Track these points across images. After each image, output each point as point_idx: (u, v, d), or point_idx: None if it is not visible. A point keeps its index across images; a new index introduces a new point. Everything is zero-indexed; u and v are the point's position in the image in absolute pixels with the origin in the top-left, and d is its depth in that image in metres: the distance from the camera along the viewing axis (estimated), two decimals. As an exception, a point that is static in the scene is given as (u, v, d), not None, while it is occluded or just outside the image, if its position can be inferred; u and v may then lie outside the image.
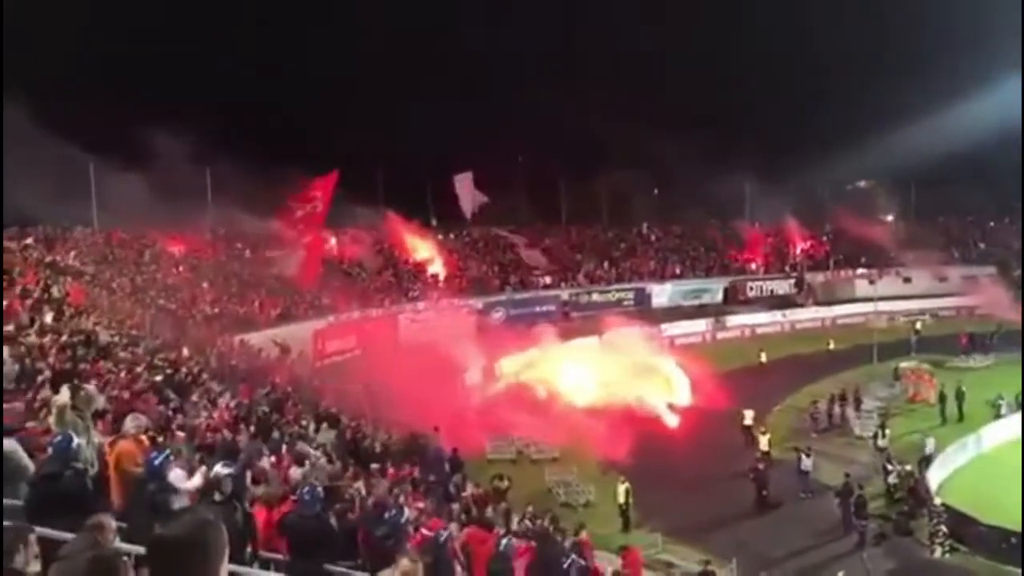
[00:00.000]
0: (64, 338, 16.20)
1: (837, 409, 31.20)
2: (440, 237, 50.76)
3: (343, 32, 52.36)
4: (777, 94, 57.57)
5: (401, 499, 11.96)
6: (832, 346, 41.32)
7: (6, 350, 12.66)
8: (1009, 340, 38.09)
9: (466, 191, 50.63)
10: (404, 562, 6.15)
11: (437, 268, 47.33)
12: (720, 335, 47.51)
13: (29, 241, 30.73)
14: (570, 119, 51.01)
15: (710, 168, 50.18)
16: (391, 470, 16.10)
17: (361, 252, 45.14)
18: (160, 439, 9.95)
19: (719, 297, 52.51)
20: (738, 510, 23.55)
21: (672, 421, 30.55)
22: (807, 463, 25.10)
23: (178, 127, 33.65)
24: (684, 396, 32.74)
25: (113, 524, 5.34)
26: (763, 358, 38.97)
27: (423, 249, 48.19)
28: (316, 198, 38.67)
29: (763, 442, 26.90)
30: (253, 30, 47.99)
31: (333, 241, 44.03)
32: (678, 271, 53.33)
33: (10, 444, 7.44)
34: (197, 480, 7.69)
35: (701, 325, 47.78)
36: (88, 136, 32.88)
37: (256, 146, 39.70)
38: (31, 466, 7.38)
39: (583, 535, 15.69)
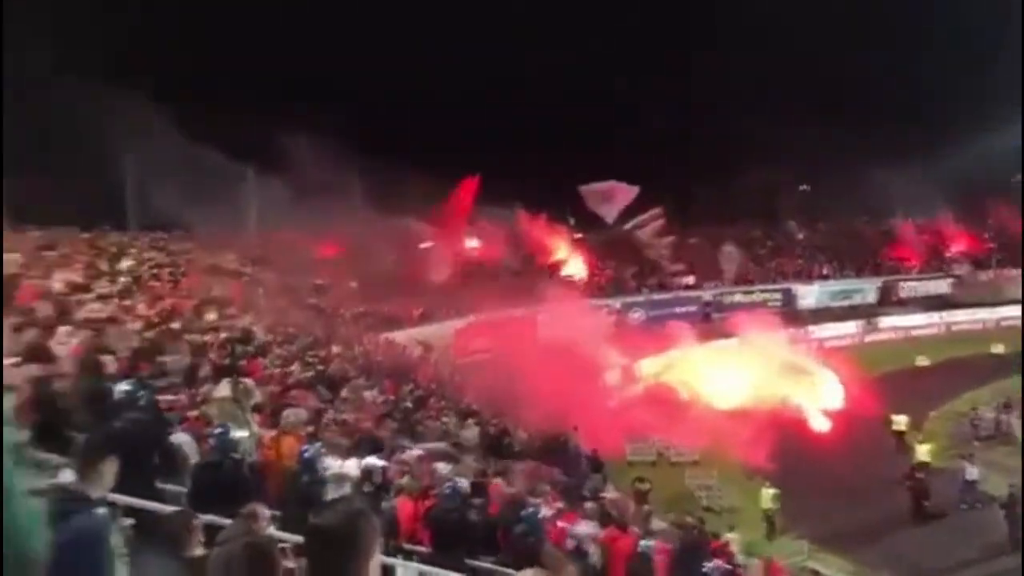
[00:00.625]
0: (224, 335, 17.20)
1: (1003, 416, 29.23)
2: (578, 236, 50.70)
3: (485, 31, 52.89)
4: (928, 79, 54.01)
5: (539, 497, 12.01)
6: (995, 349, 38.75)
7: (172, 348, 13.52)
8: None
9: (607, 200, 50.17)
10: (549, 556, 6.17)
11: (575, 268, 47.36)
12: (871, 337, 45.44)
13: (192, 245, 32.88)
14: (709, 113, 49.84)
15: (860, 162, 47.97)
16: (530, 468, 16.19)
17: (500, 252, 45.69)
18: (313, 432, 10.39)
19: (870, 298, 50.19)
20: (892, 520, 22.43)
21: (821, 424, 29.48)
22: (972, 472, 23.60)
23: (322, 130, 34.94)
24: (834, 399, 31.50)
25: (267, 512, 5.61)
26: (921, 361, 36.96)
27: (561, 249, 48.31)
28: (460, 201, 39.65)
29: (922, 451, 25.48)
30: (395, 33, 49.18)
31: (474, 243, 44.84)
32: (826, 271, 51.32)
33: (180, 437, 7.95)
34: (350, 469, 7.98)
35: (851, 327, 45.84)
36: (238, 140, 34.54)
37: (399, 147, 40.79)
38: (197, 456, 7.86)
39: (726, 538, 15.34)
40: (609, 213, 49.99)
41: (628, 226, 50.07)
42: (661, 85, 49.17)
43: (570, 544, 9.10)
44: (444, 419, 18.25)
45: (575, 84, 51.43)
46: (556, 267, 47.33)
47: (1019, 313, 45.33)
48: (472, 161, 43.18)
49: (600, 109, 51.39)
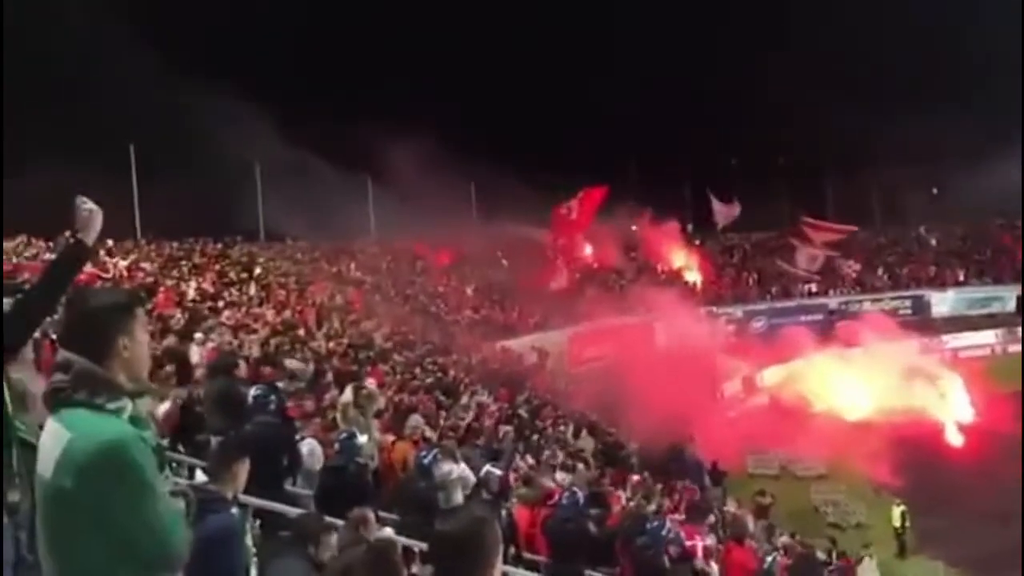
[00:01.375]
0: (347, 342, 17.71)
1: None
2: (697, 243, 49.90)
3: (606, 38, 52.67)
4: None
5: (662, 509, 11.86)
6: None
7: (298, 355, 14.02)
8: None
9: (720, 206, 49.25)
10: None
11: (693, 275, 46.61)
12: (1013, 348, 42.85)
13: (317, 254, 34.07)
14: (834, 111, 47.93)
15: (992, 159, 45.20)
16: (641, 478, 15.91)
17: (617, 258, 45.45)
18: (432, 438, 10.55)
19: (1011, 306, 47.30)
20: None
21: (956, 440, 28.02)
22: None
23: (438, 137, 35.53)
24: (966, 413, 29.87)
25: (373, 518, 5.71)
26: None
27: (679, 256, 47.64)
28: (582, 209, 39.73)
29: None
30: (514, 39, 49.45)
31: (588, 249, 44.70)
32: (961, 277, 48.72)
33: (308, 441, 8.22)
34: (468, 475, 8.04)
35: (990, 336, 43.37)
36: (356, 150, 35.41)
37: (518, 154, 41.13)
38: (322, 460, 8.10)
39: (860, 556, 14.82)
40: (727, 217, 49.04)
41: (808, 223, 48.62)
42: (774, 83, 47.51)
43: (673, 551, 8.89)
44: (560, 428, 18.23)
45: (700, 87, 50.49)
46: (675, 274, 46.68)
47: None
48: (589, 167, 42.93)
49: (719, 112, 50.13)
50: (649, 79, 49.93)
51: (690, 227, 50.86)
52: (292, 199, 34.00)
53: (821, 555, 16.44)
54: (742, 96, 48.14)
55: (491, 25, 48.27)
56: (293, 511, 6.38)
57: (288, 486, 7.48)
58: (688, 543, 9.63)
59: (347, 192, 37.08)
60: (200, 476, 6.50)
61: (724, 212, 49.21)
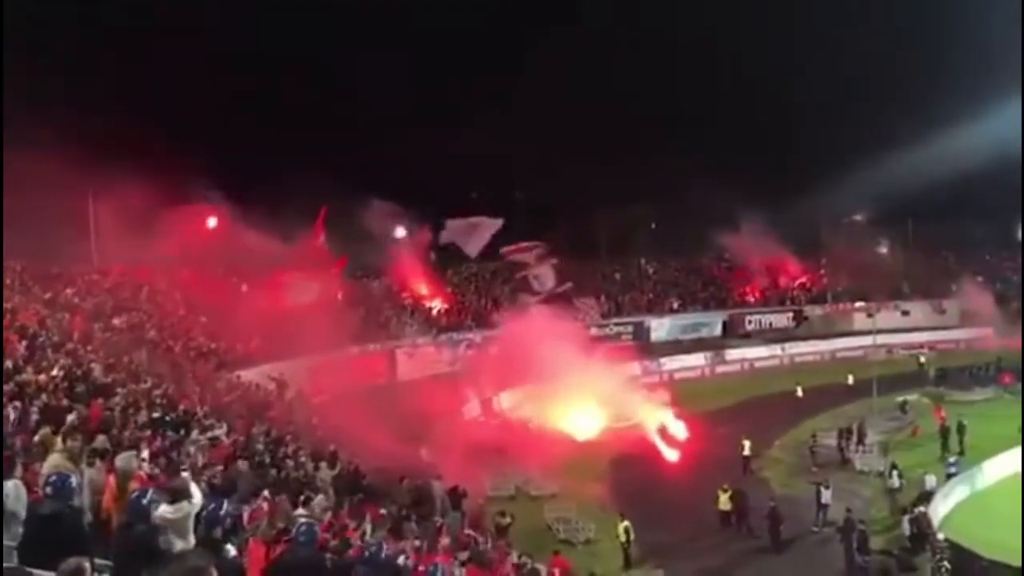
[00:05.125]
0: (60, 374, 16.14)
1: (843, 443, 30.97)
2: (441, 270, 50.92)
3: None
4: (770, 123, 57.59)
5: (381, 536, 11.84)
6: (830, 380, 41.11)
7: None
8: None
9: (472, 233, 50.35)
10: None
11: (436, 302, 47.44)
12: (720, 369, 47.54)
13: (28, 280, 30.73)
14: (565, 153, 51.06)
15: (705, 201, 50.20)
16: (379, 512, 15.84)
17: (358, 287, 45.25)
18: (155, 476, 9.91)
19: (718, 331, 52.58)
20: (744, 547, 23.38)
21: (671, 456, 30.44)
22: (827, 495, 24.73)
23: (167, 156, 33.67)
24: (680, 430, 32.47)
25: (89, 568, 5.26)
26: (799, 390, 38.88)
27: (423, 285, 48.28)
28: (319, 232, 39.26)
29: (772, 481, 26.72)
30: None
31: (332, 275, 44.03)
32: (676, 305, 53.44)
33: (15, 484, 7.37)
34: (187, 513, 7.56)
35: (700, 359, 47.81)
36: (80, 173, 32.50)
37: (256, 177, 39.81)
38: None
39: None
40: (474, 247, 50.17)
41: (505, 251, 50.25)
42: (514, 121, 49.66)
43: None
44: (300, 459, 17.75)
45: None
46: (418, 301, 47.16)
47: (851, 344, 48.49)
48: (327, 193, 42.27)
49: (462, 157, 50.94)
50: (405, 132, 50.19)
51: (433, 255, 51.60)
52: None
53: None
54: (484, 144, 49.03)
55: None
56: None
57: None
58: (420, 568, 9.74)
59: (66, 215, 33.90)
60: None
61: (483, 231, 50.10)
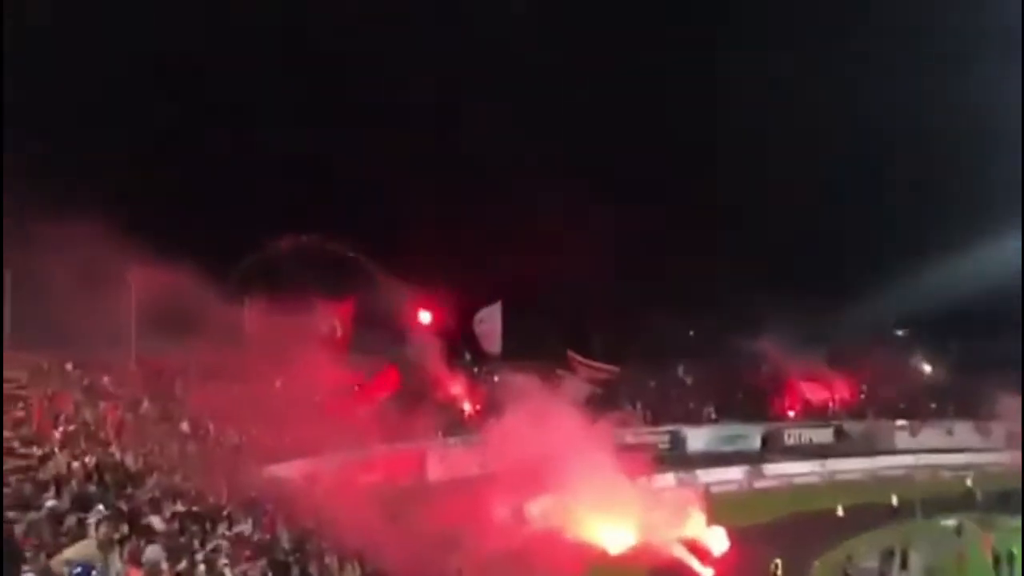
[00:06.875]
0: (92, 461, 16.05)
1: (883, 567, 29.69)
2: (475, 371, 50.61)
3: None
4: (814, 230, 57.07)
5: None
6: (872, 499, 39.63)
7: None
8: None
9: (487, 327, 50.35)
10: None
11: (468, 403, 47.06)
12: (757, 483, 46.28)
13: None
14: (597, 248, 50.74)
15: (744, 310, 49.78)
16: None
17: (393, 384, 45.00)
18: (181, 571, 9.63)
19: (756, 444, 51.47)
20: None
21: (706, 574, 29.39)
22: None
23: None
24: (718, 544, 31.46)
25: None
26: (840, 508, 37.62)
27: (455, 384, 47.98)
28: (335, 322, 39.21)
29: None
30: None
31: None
32: (714, 415, 52.57)
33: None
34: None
35: (738, 473, 46.64)
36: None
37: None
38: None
39: None
40: (493, 344, 50.04)
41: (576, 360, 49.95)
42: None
43: None
44: (325, 559, 17.37)
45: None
46: (451, 401, 46.87)
47: (893, 463, 47.23)
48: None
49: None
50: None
51: (467, 355, 51.48)
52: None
53: None
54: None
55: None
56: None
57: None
58: None
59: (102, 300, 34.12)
60: None
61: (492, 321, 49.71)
